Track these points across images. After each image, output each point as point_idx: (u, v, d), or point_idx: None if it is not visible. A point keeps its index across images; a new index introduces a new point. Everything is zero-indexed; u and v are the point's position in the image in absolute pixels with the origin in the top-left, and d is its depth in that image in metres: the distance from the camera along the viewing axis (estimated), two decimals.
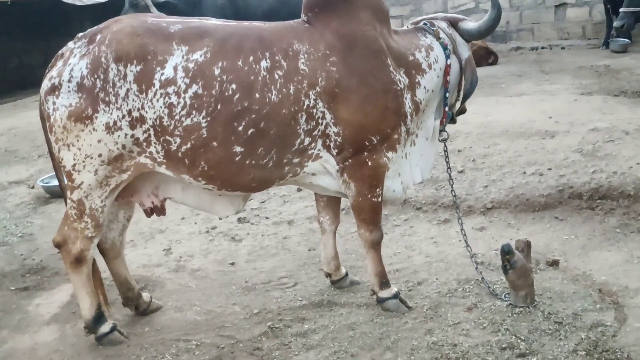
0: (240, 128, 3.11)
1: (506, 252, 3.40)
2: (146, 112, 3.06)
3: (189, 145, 3.11)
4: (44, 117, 3.24)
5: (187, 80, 3.06)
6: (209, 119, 3.08)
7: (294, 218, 5.01)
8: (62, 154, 3.18)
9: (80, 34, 3.25)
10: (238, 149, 3.14)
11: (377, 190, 3.41)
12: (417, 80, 3.39)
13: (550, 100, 7.00)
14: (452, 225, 4.62)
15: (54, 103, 3.12)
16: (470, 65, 3.59)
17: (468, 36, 3.58)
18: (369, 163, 3.33)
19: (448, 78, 3.49)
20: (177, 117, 3.07)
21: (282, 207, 5.21)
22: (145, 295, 3.79)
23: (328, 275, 3.92)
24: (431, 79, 3.44)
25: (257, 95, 3.11)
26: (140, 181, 3.37)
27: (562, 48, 11.30)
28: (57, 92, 3.10)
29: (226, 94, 3.08)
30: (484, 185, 4.97)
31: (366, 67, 3.24)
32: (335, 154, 3.31)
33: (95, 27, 3.26)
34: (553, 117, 6.12)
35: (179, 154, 3.14)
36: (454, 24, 3.59)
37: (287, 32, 3.27)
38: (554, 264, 3.94)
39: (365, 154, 3.31)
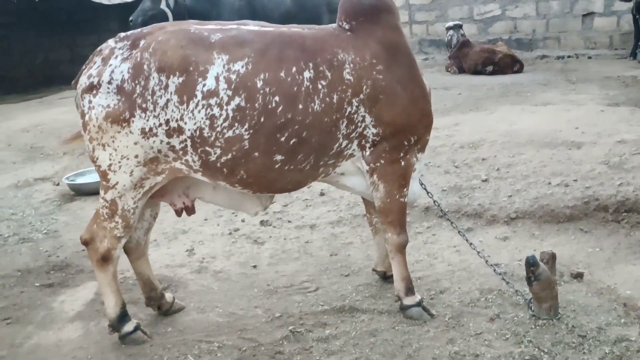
0: (283, 139, 3.13)
1: (531, 263, 3.38)
2: (185, 123, 3.07)
3: (229, 156, 3.13)
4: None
5: (229, 92, 3.06)
6: (251, 131, 3.09)
7: (317, 222, 5.02)
8: (96, 153, 3.20)
9: (122, 34, 3.25)
10: (279, 157, 3.17)
11: (405, 190, 3.46)
12: (428, 90, 3.53)
13: (577, 110, 6.94)
14: (476, 234, 4.60)
15: (90, 101, 3.13)
16: None
17: None
18: (402, 163, 3.39)
19: None
20: (218, 129, 3.07)
21: (304, 211, 5.22)
22: (168, 296, 3.81)
23: (383, 273, 3.98)
24: None
25: (300, 107, 3.12)
26: (172, 182, 3.39)
27: (589, 57, 11.22)
28: (95, 92, 3.12)
29: (269, 106, 3.08)
30: (508, 194, 4.94)
31: (407, 73, 3.35)
32: (368, 153, 3.35)
33: (138, 30, 3.27)
34: (579, 127, 6.07)
35: (218, 164, 3.16)
36: None
37: (331, 40, 3.27)
38: (579, 276, 3.90)
39: (401, 154, 3.37)
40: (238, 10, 8.39)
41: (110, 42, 3.24)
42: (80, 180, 6.14)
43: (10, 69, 13.48)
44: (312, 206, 5.27)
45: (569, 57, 11.49)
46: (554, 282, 3.45)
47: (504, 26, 12.63)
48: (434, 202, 3.93)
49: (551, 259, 3.50)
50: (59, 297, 4.17)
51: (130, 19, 8.54)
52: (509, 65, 10.25)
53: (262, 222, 5.04)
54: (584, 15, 12.01)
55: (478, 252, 3.84)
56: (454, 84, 9.43)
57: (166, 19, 8.28)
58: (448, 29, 11.02)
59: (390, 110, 3.29)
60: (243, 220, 5.09)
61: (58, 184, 6.36)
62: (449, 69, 11.01)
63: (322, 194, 5.38)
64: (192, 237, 4.96)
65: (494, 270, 3.76)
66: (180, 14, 8.33)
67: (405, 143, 3.37)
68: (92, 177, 5.88)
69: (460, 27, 10.97)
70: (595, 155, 5.28)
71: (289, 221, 5.08)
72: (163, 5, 8.26)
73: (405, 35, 3.48)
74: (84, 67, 3.26)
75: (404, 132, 3.35)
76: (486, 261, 3.81)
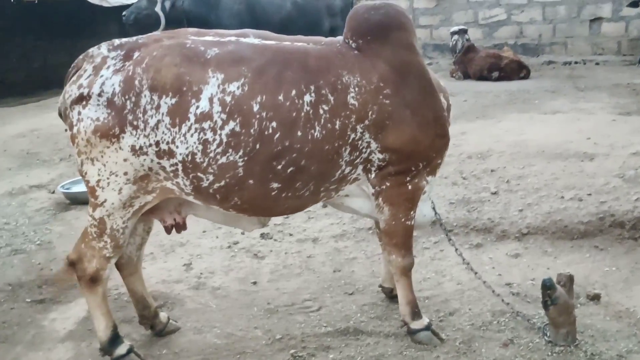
0: (279, 167, 2.92)
1: (548, 286, 3.20)
2: (177, 147, 2.87)
3: (222, 183, 2.93)
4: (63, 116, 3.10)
5: (224, 116, 2.84)
6: (246, 158, 2.88)
7: (319, 236, 4.83)
8: (85, 167, 3.01)
9: (116, 42, 3.04)
10: (275, 185, 2.97)
11: (411, 213, 3.25)
12: (449, 103, 3.37)
13: (587, 119, 6.77)
14: (485, 251, 4.42)
15: (79, 113, 2.94)
16: None
17: None
18: (409, 187, 3.18)
19: None
20: (211, 155, 2.87)
21: (306, 223, 5.03)
22: (162, 315, 3.63)
23: (390, 290, 3.79)
24: None
25: (299, 133, 2.89)
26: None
27: (597, 64, 11.05)
28: (84, 103, 2.92)
29: (266, 132, 2.86)
30: (519, 209, 4.75)
31: (419, 97, 3.09)
32: (374, 175, 3.15)
33: (134, 39, 3.06)
34: (591, 138, 5.89)
35: (210, 190, 2.97)
36: None
37: (335, 60, 3.01)
38: (595, 298, 3.72)
39: (408, 178, 3.16)
40: (237, 14, 8.23)
41: (103, 48, 3.03)
42: (76, 189, 5.95)
43: (7, 72, 13.28)
44: (315, 219, 5.08)
45: (576, 63, 11.31)
46: (572, 307, 3.27)
47: (509, 31, 12.46)
48: (440, 224, 3.72)
49: (569, 281, 3.32)
50: (50, 315, 3.98)
51: (124, 13, 8.40)
52: (515, 71, 10.07)
53: (262, 235, 4.85)
54: (592, 21, 11.84)
55: (484, 282, 3.65)
56: (459, 89, 9.24)
57: (159, 22, 8.12)
58: (453, 33, 10.84)
59: (398, 137, 3.05)
60: (243, 233, 4.90)
61: (53, 192, 6.18)
62: (454, 75, 10.82)
63: (324, 206, 5.19)
64: (189, 250, 4.77)
65: (502, 300, 3.57)
66: (178, 18, 8.18)
67: (413, 168, 3.15)
68: None
69: (465, 31, 10.80)
70: (609, 168, 5.09)
71: (291, 234, 4.89)
72: (158, 8, 8.12)
73: (419, 53, 3.20)
74: (71, 69, 3.08)
75: (412, 159, 3.12)
76: (493, 291, 3.61)
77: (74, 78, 3.01)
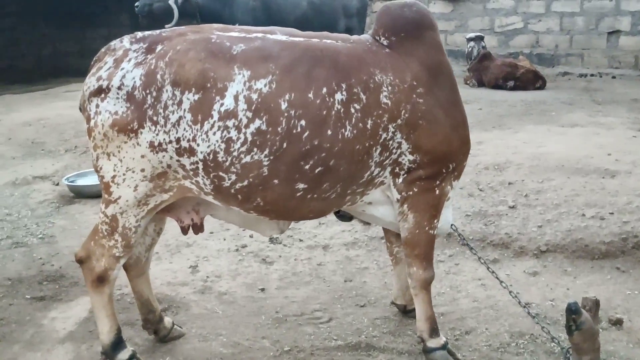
0: (307, 167, 2.78)
1: (573, 311, 3.03)
2: (198, 145, 2.74)
3: (245, 182, 2.79)
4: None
5: (249, 114, 2.71)
6: (272, 157, 2.75)
7: (330, 243, 4.68)
8: (100, 162, 2.89)
9: (139, 35, 2.92)
10: (301, 185, 2.83)
11: (435, 221, 3.13)
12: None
13: (607, 134, 6.60)
14: (502, 267, 4.26)
15: (97, 106, 2.82)
16: None
17: None
18: (437, 191, 3.06)
19: None
20: (235, 154, 2.74)
21: (317, 229, 4.88)
22: (167, 321, 3.49)
23: (403, 307, 3.67)
24: None
25: (329, 132, 2.77)
26: (181, 198, 3.05)
27: (613, 77, 10.88)
28: (103, 96, 2.80)
29: (294, 131, 2.73)
30: (538, 224, 4.60)
31: (449, 97, 3.01)
32: (401, 180, 3.01)
33: (157, 32, 2.93)
34: (612, 154, 5.73)
35: (232, 190, 2.83)
36: None
37: (367, 58, 2.91)
38: (618, 323, 3.57)
39: (437, 182, 3.04)
40: (252, 10, 8.09)
41: (126, 41, 2.91)
42: (81, 182, 5.82)
43: (16, 59, 13.19)
44: (326, 224, 4.93)
45: (592, 75, 11.14)
46: (597, 333, 3.12)
47: (525, 40, 12.30)
48: (461, 237, 3.58)
49: (594, 306, 3.18)
50: (50, 313, 3.85)
51: (136, 4, 8.27)
52: (531, 81, 9.91)
53: (271, 240, 4.71)
54: (609, 33, 11.67)
55: (520, 303, 3.47)
56: (474, 97, 9.08)
57: (172, 15, 7.97)
58: (469, 40, 10.67)
59: (431, 138, 2.95)
60: (251, 236, 4.76)
61: (57, 184, 6.05)
62: (468, 82, 10.66)
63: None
64: (196, 251, 4.63)
65: (536, 320, 3.40)
66: (192, 12, 8.04)
67: (444, 171, 3.04)
68: (94, 179, 5.53)
69: (481, 38, 10.63)
70: (632, 187, 4.93)
71: (301, 240, 4.74)
72: (171, 1, 7.95)
73: (446, 54, 3.13)
74: (93, 62, 2.96)
75: (444, 160, 3.01)
76: (528, 313, 3.42)
77: (94, 70, 2.89)
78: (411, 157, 2.97)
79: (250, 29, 2.97)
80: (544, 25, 12.12)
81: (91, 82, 2.86)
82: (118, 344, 3.17)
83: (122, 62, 2.82)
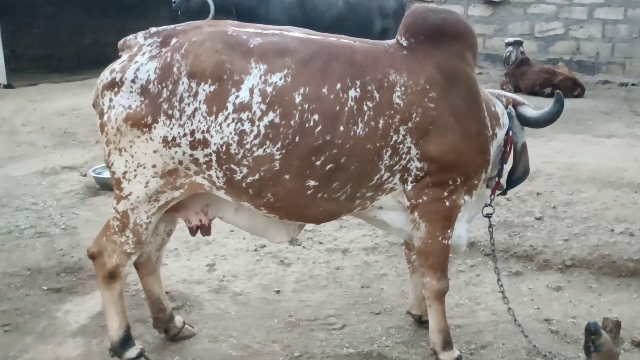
0: (318, 163, 2.76)
1: (592, 331, 2.93)
2: (212, 136, 2.73)
3: (256, 176, 2.78)
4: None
5: (263, 107, 2.70)
6: (284, 151, 2.73)
7: (349, 247, 4.62)
8: (112, 158, 2.88)
9: (153, 30, 2.92)
10: (312, 183, 2.81)
11: (449, 232, 3.07)
12: (495, 132, 3.13)
13: None
14: (525, 280, 4.15)
15: (110, 100, 2.81)
16: (525, 152, 3.25)
17: (524, 122, 3.23)
18: (447, 203, 3.00)
19: (508, 148, 3.19)
20: (247, 146, 2.73)
21: (337, 232, 4.82)
22: (178, 320, 3.47)
23: (418, 317, 3.60)
24: (501, 137, 3.17)
25: (342, 128, 2.75)
26: (190, 197, 3.05)
27: None
28: (116, 89, 2.79)
29: (307, 125, 2.72)
30: (564, 238, 4.46)
31: (465, 106, 2.93)
32: (410, 187, 2.98)
33: (171, 27, 2.93)
34: None
35: (243, 184, 2.81)
36: (514, 105, 3.25)
37: (383, 57, 2.91)
38: None
39: (446, 193, 2.98)
40: (288, 8, 8.03)
41: (140, 37, 2.91)
42: (107, 174, 5.82)
43: (57, 48, 13.39)
44: (347, 228, 4.87)
45: (633, 85, 10.83)
46: (617, 356, 3.00)
47: (566, 46, 12.02)
48: (492, 248, 3.48)
49: (615, 327, 3.05)
50: (64, 306, 3.87)
51: (174, 1, 8.31)
52: (569, 88, 9.66)
53: (290, 241, 4.65)
54: None
55: (516, 322, 3.40)
56: None
57: (208, 10, 7.97)
58: (507, 44, 10.47)
59: (439, 145, 2.90)
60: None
61: (85, 175, 6.10)
62: (504, 87, 10.44)
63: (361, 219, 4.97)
64: (215, 249, 4.61)
65: (529, 339, 3.32)
66: (227, 8, 8.03)
67: (450, 182, 2.98)
68: None
69: (520, 43, 10.42)
70: None
71: (320, 242, 4.69)
72: None
73: (472, 66, 3.04)
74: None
75: (451, 171, 2.95)
76: (522, 332, 3.35)
77: (110, 65, 2.89)
78: (419, 164, 2.93)
79: (266, 27, 2.97)
80: (585, 31, 11.84)
81: (104, 75, 2.85)
82: (127, 341, 3.16)
83: (136, 55, 2.82)
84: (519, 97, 3.37)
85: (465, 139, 2.93)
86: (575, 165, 5.63)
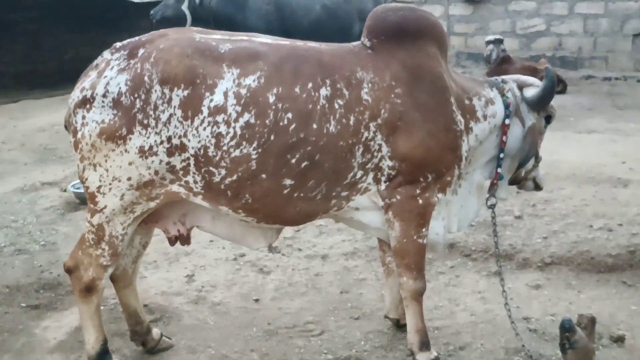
0: (293, 161, 2.81)
1: (566, 328, 2.94)
2: (189, 140, 2.76)
3: (234, 177, 2.81)
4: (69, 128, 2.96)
5: (238, 109, 2.75)
6: (260, 150, 2.78)
7: (329, 253, 4.60)
8: (86, 173, 2.88)
9: (118, 44, 2.93)
10: (288, 181, 2.85)
11: (424, 230, 3.08)
12: (470, 126, 3.13)
13: (624, 141, 6.41)
14: (504, 279, 4.11)
15: (83, 117, 2.81)
16: (531, 135, 3.24)
17: (528, 105, 3.25)
18: (420, 201, 3.03)
19: (504, 138, 3.21)
20: (224, 148, 2.77)
21: (317, 238, 4.81)
22: (155, 332, 3.46)
23: (396, 321, 3.59)
24: (483, 130, 3.19)
25: (315, 126, 2.82)
26: (167, 207, 3.06)
27: (638, 81, 10.60)
28: (88, 106, 2.79)
29: (281, 123, 2.78)
30: (543, 236, 4.46)
31: (431, 102, 2.97)
32: (384, 187, 3.01)
33: (136, 38, 2.94)
34: (627, 162, 5.56)
35: (222, 186, 2.84)
36: (520, 88, 3.28)
37: (349, 57, 3.00)
38: (619, 340, 3.43)
39: (418, 191, 3.01)
40: (266, 15, 8.04)
41: (106, 53, 2.93)
42: None
43: (39, 64, 13.32)
44: (326, 234, 4.86)
45: (616, 79, 10.86)
46: (592, 352, 3.01)
47: (548, 42, 12.04)
48: (495, 240, 3.46)
49: (590, 323, 3.06)
50: (43, 322, 3.85)
51: (151, 12, 8.33)
52: None
53: (270, 249, 4.64)
54: (635, 36, 11.36)
55: (513, 324, 3.37)
56: None
57: (185, 20, 7.98)
58: (488, 42, 10.47)
59: (408, 141, 2.94)
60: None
61: (65, 190, 6.07)
62: None
63: (337, 221, 4.96)
64: (194, 260, 4.59)
65: (520, 338, 3.30)
66: (205, 17, 8.03)
67: (422, 180, 3.00)
68: None
69: (501, 41, 10.43)
70: None
71: (300, 249, 4.67)
72: (184, 7, 7.97)
73: (439, 60, 3.05)
74: (79, 81, 2.93)
75: (421, 168, 2.98)
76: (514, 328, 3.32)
77: (78, 84, 2.89)
78: (390, 163, 2.97)
79: (233, 33, 3.02)
80: (567, 27, 11.86)
81: (75, 94, 2.86)
82: (104, 354, 3.16)
83: (105, 71, 2.82)
84: (527, 78, 3.36)
85: (433, 134, 2.96)
86: (556, 162, 5.62)
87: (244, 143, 2.77)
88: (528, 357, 3.24)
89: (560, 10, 11.89)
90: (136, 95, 2.75)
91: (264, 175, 2.82)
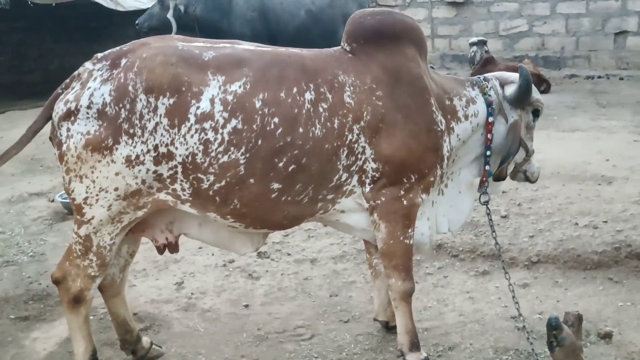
0: (280, 164, 2.84)
1: (553, 326, 2.95)
2: (176, 148, 2.76)
3: (223, 183, 2.83)
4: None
5: (225, 115, 2.77)
6: (248, 155, 2.80)
7: (318, 256, 4.62)
8: (72, 185, 2.85)
9: (99, 55, 2.92)
10: (276, 185, 2.87)
11: (410, 231, 3.11)
12: (451, 126, 3.17)
13: (607, 139, 6.48)
14: (492, 279, 4.17)
15: (68, 129, 2.78)
16: (513, 131, 3.27)
17: (508, 102, 3.29)
18: (404, 202, 3.06)
19: (489, 136, 3.25)
20: (212, 154, 2.78)
21: (305, 242, 4.82)
22: (145, 340, 3.45)
23: (385, 323, 3.61)
24: (465, 130, 3.23)
25: (301, 130, 2.85)
26: (154, 216, 3.05)
27: (621, 79, 10.71)
28: (72, 118, 2.77)
29: (268, 128, 2.81)
30: (529, 234, 4.50)
31: (412, 103, 3.02)
32: (368, 190, 3.04)
33: (117, 48, 2.93)
34: (610, 159, 5.62)
35: (210, 192, 2.85)
36: (502, 85, 3.32)
37: (331, 61, 3.05)
38: (607, 336, 3.46)
39: (402, 192, 3.04)
40: (250, 21, 8.07)
41: (87, 64, 2.91)
42: None
43: (25, 74, 13.29)
44: (315, 237, 4.87)
45: (599, 77, 10.97)
46: (580, 349, 3.02)
47: (531, 43, 12.15)
48: (493, 236, 3.47)
49: (577, 321, 3.08)
50: (32, 333, 3.83)
51: (137, 22, 8.33)
52: (535, 85, 9.75)
53: (259, 254, 4.65)
54: (617, 34, 11.50)
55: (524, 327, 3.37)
56: None
57: (170, 28, 8.00)
58: (472, 44, 10.56)
59: (390, 143, 2.98)
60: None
61: (52, 201, 6.05)
62: None
63: (325, 225, 4.98)
64: (183, 267, 4.59)
65: (527, 338, 3.28)
66: (190, 24, 8.04)
67: (405, 180, 3.04)
68: None
69: (484, 43, 10.51)
70: (627, 193, 4.82)
71: (289, 254, 4.69)
72: (170, 15, 7.98)
73: (418, 62, 3.09)
74: (60, 91, 2.92)
75: (404, 169, 3.02)
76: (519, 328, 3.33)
77: (61, 97, 2.88)
78: (374, 165, 3.00)
79: (214, 41, 3.04)
80: (549, 27, 11.97)
81: (59, 107, 2.83)
82: None
83: (88, 82, 2.81)
84: (509, 75, 3.38)
85: (414, 135, 3.00)
86: (540, 161, 5.57)
87: (232, 148, 2.79)
88: (518, 356, 3.27)
89: (542, 10, 12.00)
90: (121, 105, 2.75)
91: (252, 180, 2.84)
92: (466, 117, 3.22)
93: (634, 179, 5.09)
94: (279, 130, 2.82)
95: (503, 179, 3.46)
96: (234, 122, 2.78)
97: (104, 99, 2.75)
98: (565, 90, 9.98)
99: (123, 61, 2.82)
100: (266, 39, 8.08)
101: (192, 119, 2.75)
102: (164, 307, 4.05)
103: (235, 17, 8.32)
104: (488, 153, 3.28)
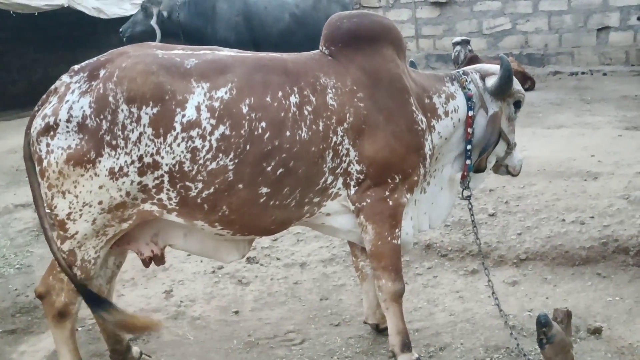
0: (269, 168, 2.84)
1: (543, 323, 2.96)
2: (162, 157, 2.73)
3: (211, 189, 2.80)
4: (30, 159, 2.85)
5: (213, 121, 2.75)
6: (236, 160, 2.79)
7: (307, 260, 4.61)
8: (55, 201, 2.78)
9: (76, 67, 2.85)
10: (264, 189, 2.86)
11: (397, 231, 3.11)
12: (432, 124, 3.19)
13: (592, 134, 6.51)
14: (481, 277, 4.16)
15: (48, 145, 2.72)
16: (493, 123, 3.27)
17: (489, 94, 3.31)
18: (390, 202, 3.07)
19: (469, 130, 3.26)
20: (201, 162, 2.76)
21: (295, 246, 4.81)
22: (135, 350, 3.42)
23: (375, 326, 3.60)
24: (446, 127, 3.24)
25: (288, 133, 2.86)
26: (138, 228, 3.00)
27: (604, 74, 10.78)
28: (52, 133, 2.70)
29: (255, 133, 2.81)
30: (517, 232, 4.51)
31: (392, 104, 3.03)
32: (353, 192, 3.04)
33: (94, 59, 2.86)
34: (595, 155, 5.64)
35: (198, 200, 2.82)
36: (483, 78, 3.33)
37: (312, 64, 3.06)
38: (596, 332, 3.47)
39: (387, 192, 3.05)
40: (235, 26, 8.05)
41: (64, 77, 2.84)
42: None
43: (8, 85, 13.19)
44: (304, 241, 4.86)
45: (582, 73, 11.05)
46: (570, 345, 3.03)
47: (514, 41, 12.22)
48: (474, 231, 3.49)
49: (566, 317, 3.09)
50: (19, 347, 3.79)
51: (121, 30, 8.29)
52: (519, 83, 9.80)
53: (248, 260, 4.63)
54: (599, 30, 11.58)
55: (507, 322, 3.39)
56: None
57: (154, 35, 7.96)
58: (455, 44, 10.59)
59: (373, 144, 2.99)
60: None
61: None
62: None
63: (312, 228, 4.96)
64: (172, 275, 4.56)
65: (511, 333, 3.30)
66: (174, 31, 8.01)
67: (389, 181, 3.05)
68: None
69: (467, 42, 10.54)
70: (613, 189, 4.84)
71: (278, 258, 4.67)
72: (153, 22, 7.95)
73: (397, 62, 3.10)
74: (36, 107, 2.84)
75: (388, 170, 3.03)
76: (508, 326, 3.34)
77: (39, 112, 2.81)
78: (358, 167, 3.01)
79: (194, 48, 3.01)
80: (532, 25, 12.04)
81: (37, 122, 2.76)
82: None
83: (65, 95, 2.75)
84: (489, 67, 3.40)
85: (396, 136, 3.01)
86: (526, 158, 5.64)
87: (221, 155, 2.77)
88: (509, 354, 3.27)
89: (524, 8, 12.07)
90: (102, 117, 2.69)
91: (240, 185, 2.82)
92: (446, 113, 3.23)
93: (619, 174, 5.11)
94: (267, 135, 2.81)
95: (482, 170, 3.45)
96: (221, 128, 2.76)
97: (84, 111, 2.69)
98: (550, 87, 10.03)
99: (102, 72, 2.76)
100: (251, 43, 8.07)
101: (178, 127, 2.72)
102: (153, 316, 4.01)
103: (220, 22, 8.29)
104: (469, 147, 3.29)
